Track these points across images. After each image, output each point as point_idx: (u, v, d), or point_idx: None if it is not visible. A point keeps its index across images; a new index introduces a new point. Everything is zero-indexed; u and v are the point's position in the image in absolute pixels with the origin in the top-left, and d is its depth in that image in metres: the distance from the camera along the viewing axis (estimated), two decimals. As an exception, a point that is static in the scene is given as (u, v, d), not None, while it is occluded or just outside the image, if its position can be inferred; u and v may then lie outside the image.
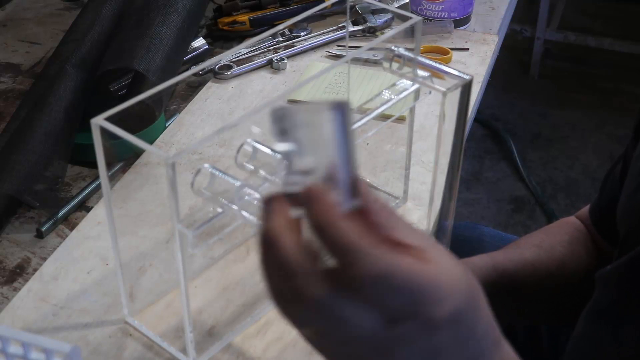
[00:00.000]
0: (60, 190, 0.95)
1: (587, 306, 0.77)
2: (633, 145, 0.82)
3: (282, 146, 0.49)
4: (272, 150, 0.70)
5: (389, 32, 1.21)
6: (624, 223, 0.76)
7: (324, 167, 0.47)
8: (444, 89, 0.73)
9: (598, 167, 2.40)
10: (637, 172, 0.76)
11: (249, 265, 0.84)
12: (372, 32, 1.25)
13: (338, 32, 1.24)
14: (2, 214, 0.91)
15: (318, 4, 1.18)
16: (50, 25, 1.33)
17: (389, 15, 1.25)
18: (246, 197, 0.65)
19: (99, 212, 0.91)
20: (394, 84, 0.79)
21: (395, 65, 0.77)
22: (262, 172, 0.70)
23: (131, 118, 0.65)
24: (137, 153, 0.98)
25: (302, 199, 0.46)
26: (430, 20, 1.26)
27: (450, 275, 0.46)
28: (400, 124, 1.00)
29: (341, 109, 0.46)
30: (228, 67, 1.16)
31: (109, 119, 0.63)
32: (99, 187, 0.94)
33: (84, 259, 0.85)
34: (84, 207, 0.94)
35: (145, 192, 0.94)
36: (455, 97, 0.74)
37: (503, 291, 0.86)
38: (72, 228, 0.90)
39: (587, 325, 0.76)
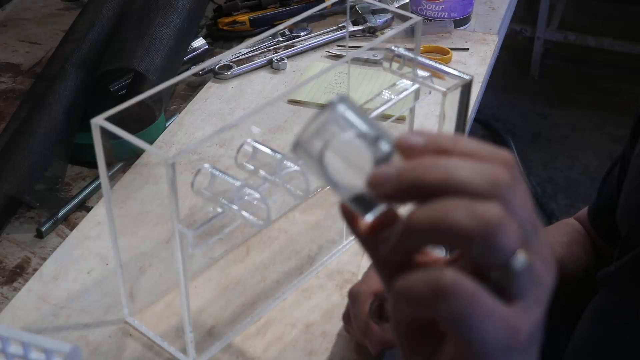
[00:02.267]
0: (60, 190, 0.95)
1: (589, 306, 0.77)
2: (630, 146, 0.82)
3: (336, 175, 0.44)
4: (272, 150, 0.70)
5: (389, 32, 1.22)
6: (625, 222, 0.76)
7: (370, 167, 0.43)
8: (444, 89, 0.73)
9: (598, 167, 2.40)
10: (638, 171, 0.76)
11: (249, 265, 0.84)
12: (372, 32, 1.25)
13: (338, 32, 1.24)
14: (2, 214, 0.91)
15: (318, 4, 1.18)
16: (50, 25, 1.33)
17: (389, 15, 1.25)
18: (246, 197, 0.65)
19: (99, 212, 0.91)
20: (394, 84, 0.79)
21: (395, 65, 0.77)
22: (262, 172, 0.70)
23: (131, 118, 0.65)
24: (137, 153, 0.98)
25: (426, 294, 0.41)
26: (430, 20, 1.26)
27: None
28: (400, 124, 0.99)
29: (342, 101, 0.43)
30: (228, 67, 1.16)
31: (109, 119, 0.63)
32: (99, 187, 0.94)
33: (84, 259, 0.85)
34: (84, 207, 0.94)
35: (145, 192, 0.94)
36: (455, 97, 0.73)
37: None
38: (72, 228, 0.90)
39: (591, 325, 0.76)
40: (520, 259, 0.40)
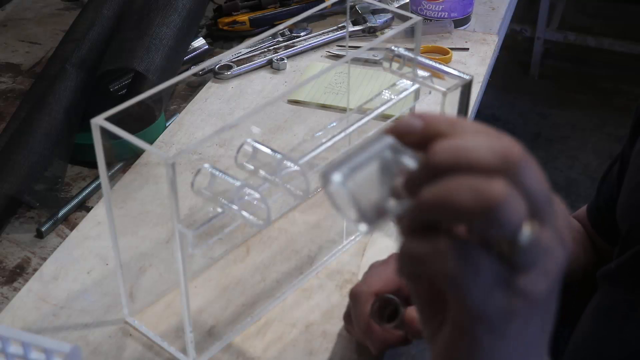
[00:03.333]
0: (60, 190, 0.95)
1: (590, 305, 0.77)
2: (630, 144, 0.82)
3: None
4: (272, 150, 0.70)
5: (389, 32, 1.21)
6: (625, 220, 0.76)
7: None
8: (444, 89, 0.73)
9: (598, 167, 2.40)
10: (637, 169, 0.76)
11: (249, 265, 0.84)
12: (372, 32, 1.25)
13: (338, 32, 1.24)
14: (2, 214, 0.91)
15: (318, 4, 1.18)
16: (50, 25, 1.33)
17: (389, 15, 1.25)
18: (246, 197, 0.65)
19: (99, 212, 0.91)
20: (394, 84, 0.79)
21: (395, 65, 0.77)
22: (262, 172, 0.70)
23: (131, 118, 0.65)
24: (137, 153, 0.98)
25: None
26: (430, 20, 1.26)
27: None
28: (400, 124, 0.99)
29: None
30: (228, 67, 1.16)
31: (109, 119, 0.63)
32: (99, 187, 0.94)
33: (84, 259, 0.85)
34: (84, 207, 0.94)
35: (145, 192, 0.94)
36: (455, 97, 0.73)
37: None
38: (72, 228, 0.90)
39: (592, 324, 0.76)
40: (526, 233, 0.41)
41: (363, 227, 0.45)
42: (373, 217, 0.44)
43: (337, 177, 0.44)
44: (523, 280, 0.43)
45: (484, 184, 0.40)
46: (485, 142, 0.42)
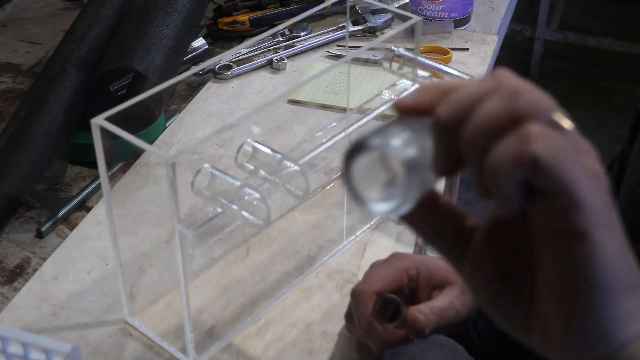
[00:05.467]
0: (60, 190, 0.95)
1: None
2: (629, 144, 0.81)
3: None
4: (272, 150, 0.70)
5: (389, 32, 1.22)
6: (625, 219, 0.76)
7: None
8: (444, 89, 0.73)
9: (598, 167, 2.40)
10: (636, 168, 0.76)
11: (249, 265, 0.84)
12: (372, 32, 1.25)
13: (338, 32, 1.24)
14: (2, 214, 0.91)
15: (318, 4, 1.18)
16: (50, 25, 1.33)
17: (389, 15, 1.25)
18: (246, 197, 0.65)
19: (99, 212, 0.91)
20: (394, 84, 0.79)
21: (395, 65, 0.77)
22: (262, 172, 0.70)
23: (131, 118, 0.65)
24: (137, 153, 0.98)
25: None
26: (430, 20, 1.26)
27: None
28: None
29: None
30: (228, 67, 1.16)
31: (109, 119, 0.63)
32: (99, 187, 0.94)
33: (84, 259, 0.85)
34: (84, 207, 0.94)
35: (145, 192, 0.94)
36: (455, 97, 0.73)
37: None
38: (72, 228, 0.90)
39: None
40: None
41: (385, 206, 0.42)
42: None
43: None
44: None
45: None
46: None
